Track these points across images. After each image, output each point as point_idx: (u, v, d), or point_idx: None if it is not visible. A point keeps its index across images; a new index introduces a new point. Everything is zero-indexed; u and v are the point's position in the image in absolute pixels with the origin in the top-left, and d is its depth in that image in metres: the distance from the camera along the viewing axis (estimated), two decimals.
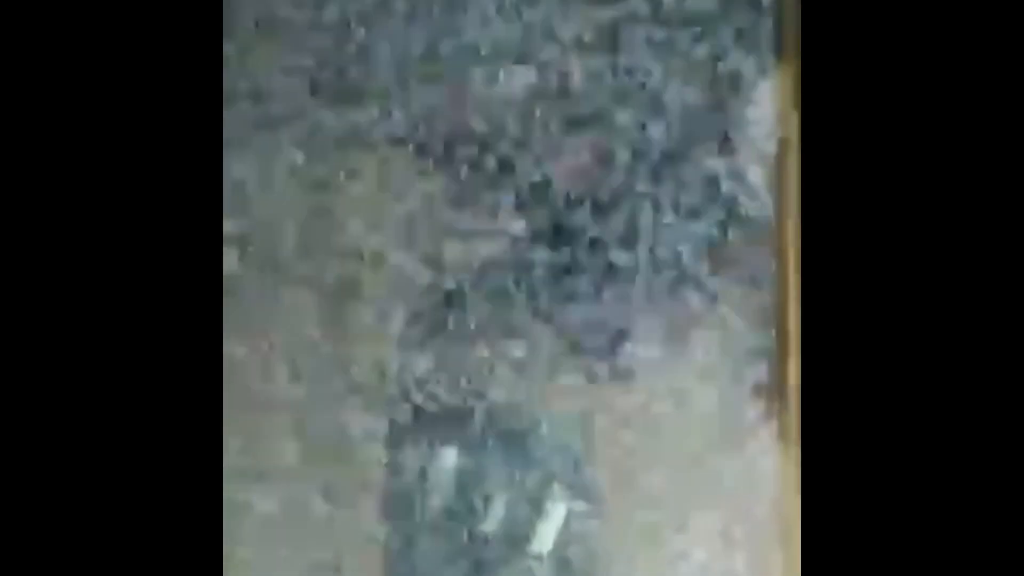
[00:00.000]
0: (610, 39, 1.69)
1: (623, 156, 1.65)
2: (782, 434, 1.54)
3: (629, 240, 1.66)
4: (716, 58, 1.61)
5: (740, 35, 1.63)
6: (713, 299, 1.62)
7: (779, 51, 1.58)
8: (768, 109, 1.58)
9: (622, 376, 1.71)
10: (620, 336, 1.68)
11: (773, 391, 1.58)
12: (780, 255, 1.58)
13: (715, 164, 1.64)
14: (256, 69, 1.77)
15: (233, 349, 1.78)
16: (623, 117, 1.67)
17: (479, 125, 1.72)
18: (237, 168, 1.76)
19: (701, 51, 1.63)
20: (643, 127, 1.67)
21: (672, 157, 1.65)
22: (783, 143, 1.55)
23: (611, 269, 1.65)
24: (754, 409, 1.63)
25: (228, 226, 1.72)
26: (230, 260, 1.76)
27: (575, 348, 1.70)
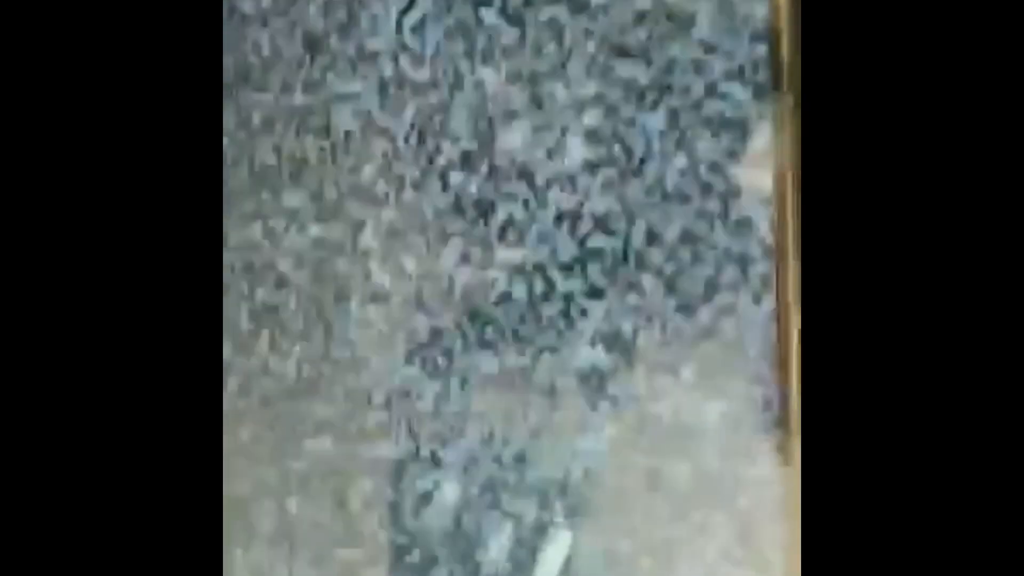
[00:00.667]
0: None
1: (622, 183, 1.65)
2: (785, 457, 1.54)
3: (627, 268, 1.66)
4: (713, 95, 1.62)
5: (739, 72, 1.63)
6: (710, 332, 1.62)
7: (777, 84, 1.58)
8: (766, 144, 1.58)
9: (622, 403, 1.70)
10: (620, 365, 1.68)
11: (776, 414, 1.58)
12: (780, 295, 1.57)
13: (712, 203, 1.64)
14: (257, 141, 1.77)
15: (228, 379, 1.77)
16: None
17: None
18: (236, 236, 1.76)
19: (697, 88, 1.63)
20: (642, 162, 1.67)
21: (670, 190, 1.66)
22: (780, 176, 1.55)
23: (608, 298, 1.65)
24: (757, 433, 1.62)
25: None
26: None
27: (576, 373, 1.70)
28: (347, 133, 1.76)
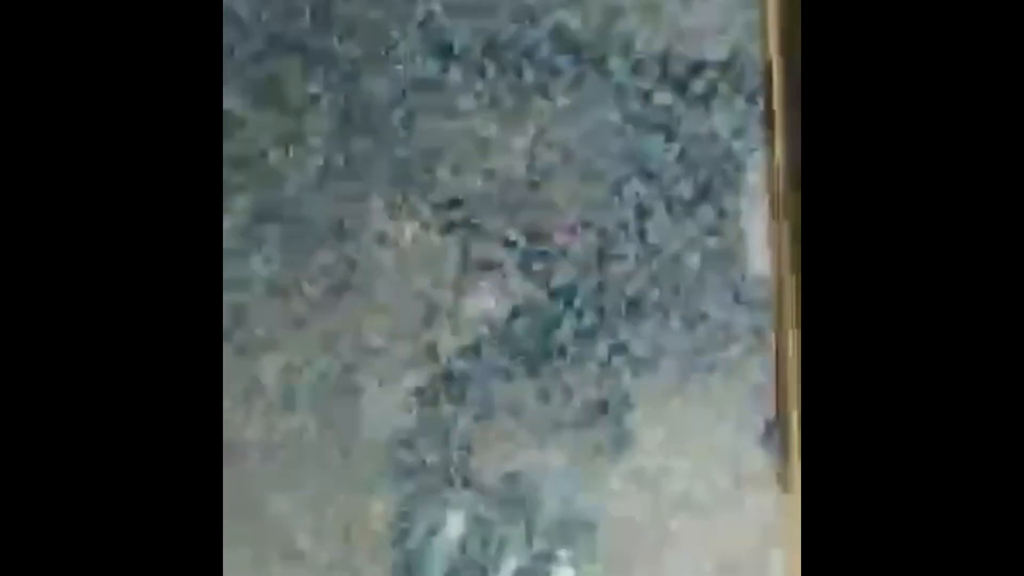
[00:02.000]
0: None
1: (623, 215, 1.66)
2: (785, 485, 1.55)
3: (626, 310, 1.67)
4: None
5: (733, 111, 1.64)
6: (711, 368, 1.63)
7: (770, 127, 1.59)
8: (761, 185, 1.59)
9: (625, 437, 1.71)
10: (620, 399, 1.69)
11: (776, 444, 1.59)
12: (779, 325, 1.58)
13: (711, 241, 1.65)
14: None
15: (232, 416, 1.78)
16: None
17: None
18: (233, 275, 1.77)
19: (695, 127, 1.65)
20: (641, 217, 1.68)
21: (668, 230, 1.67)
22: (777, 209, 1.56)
23: (608, 332, 1.66)
24: (758, 461, 1.63)
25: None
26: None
27: (576, 408, 1.71)
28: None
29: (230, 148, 1.77)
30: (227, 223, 1.78)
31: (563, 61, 1.69)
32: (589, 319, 1.73)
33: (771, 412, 1.61)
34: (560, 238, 1.67)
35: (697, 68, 1.68)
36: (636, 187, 1.69)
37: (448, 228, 1.77)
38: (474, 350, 1.76)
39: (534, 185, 1.73)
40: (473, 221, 1.75)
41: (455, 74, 1.76)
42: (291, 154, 1.81)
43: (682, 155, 1.70)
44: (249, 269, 1.82)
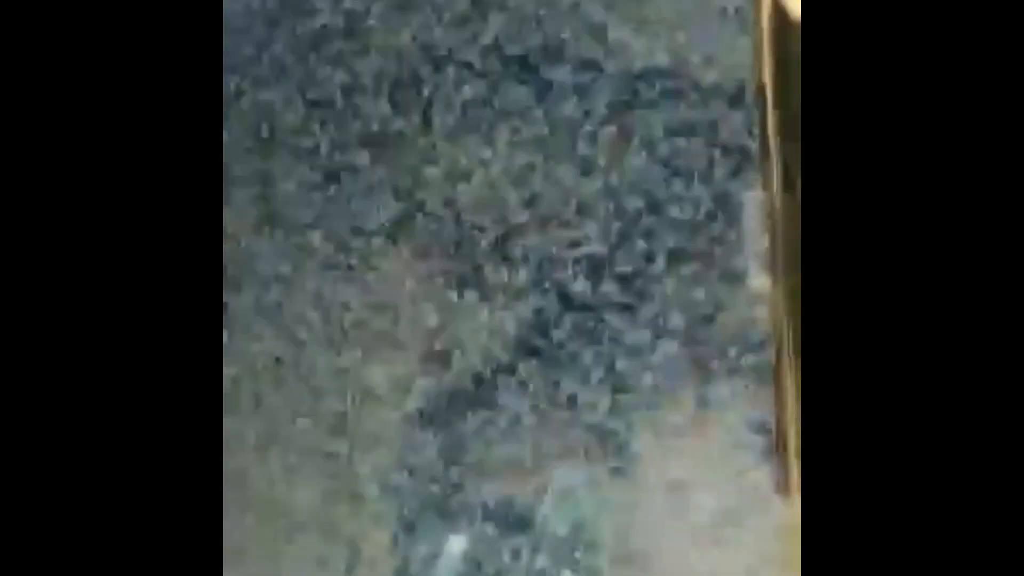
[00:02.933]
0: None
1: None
2: (785, 489, 1.54)
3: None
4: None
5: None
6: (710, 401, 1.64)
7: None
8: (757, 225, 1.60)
9: (627, 460, 1.71)
10: (623, 427, 1.69)
11: (776, 471, 1.58)
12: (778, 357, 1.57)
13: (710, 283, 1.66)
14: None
15: (236, 459, 1.79)
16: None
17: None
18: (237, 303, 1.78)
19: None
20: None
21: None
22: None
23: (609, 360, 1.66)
24: (759, 488, 1.63)
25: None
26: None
27: (580, 432, 1.71)
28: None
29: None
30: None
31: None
32: (592, 340, 1.73)
33: (773, 436, 1.60)
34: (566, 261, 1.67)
35: (693, 90, 1.69)
36: (643, 219, 1.70)
37: (453, 245, 1.77)
38: (479, 371, 1.76)
39: (541, 220, 1.73)
40: (479, 241, 1.75)
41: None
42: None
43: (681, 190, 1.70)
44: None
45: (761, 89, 1.37)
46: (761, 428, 1.61)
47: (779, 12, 1.24)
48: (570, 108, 1.75)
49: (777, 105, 1.35)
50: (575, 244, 1.72)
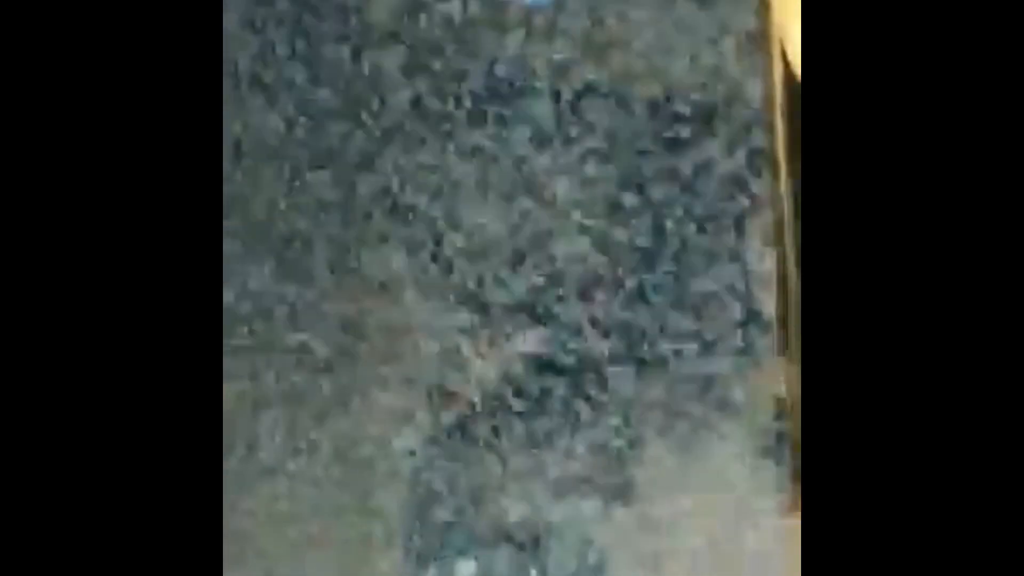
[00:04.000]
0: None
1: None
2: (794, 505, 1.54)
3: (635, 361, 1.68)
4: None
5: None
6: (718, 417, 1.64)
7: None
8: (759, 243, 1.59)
9: (634, 488, 1.71)
10: (630, 454, 1.69)
11: (788, 498, 1.58)
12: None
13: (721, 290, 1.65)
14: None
15: (244, 501, 1.79)
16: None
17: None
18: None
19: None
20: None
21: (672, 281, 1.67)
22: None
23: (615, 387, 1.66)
24: (769, 516, 1.63)
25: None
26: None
27: (586, 456, 1.71)
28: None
29: None
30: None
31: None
32: (597, 368, 1.73)
33: (780, 459, 1.60)
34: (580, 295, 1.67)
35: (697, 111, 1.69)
36: (648, 239, 1.70)
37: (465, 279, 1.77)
38: (488, 400, 1.76)
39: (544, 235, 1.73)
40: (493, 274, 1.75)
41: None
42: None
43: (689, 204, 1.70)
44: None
45: (769, 104, 1.37)
46: (769, 452, 1.61)
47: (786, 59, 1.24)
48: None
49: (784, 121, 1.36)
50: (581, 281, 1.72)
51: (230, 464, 1.79)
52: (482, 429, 1.75)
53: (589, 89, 1.73)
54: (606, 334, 1.71)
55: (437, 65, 1.80)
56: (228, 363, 1.80)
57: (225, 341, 1.77)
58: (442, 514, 1.75)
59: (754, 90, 1.61)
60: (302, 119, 1.84)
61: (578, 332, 1.74)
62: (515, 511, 1.74)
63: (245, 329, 1.84)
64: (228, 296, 1.81)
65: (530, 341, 1.73)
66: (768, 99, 1.46)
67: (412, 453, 1.73)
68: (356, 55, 1.83)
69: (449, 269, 1.78)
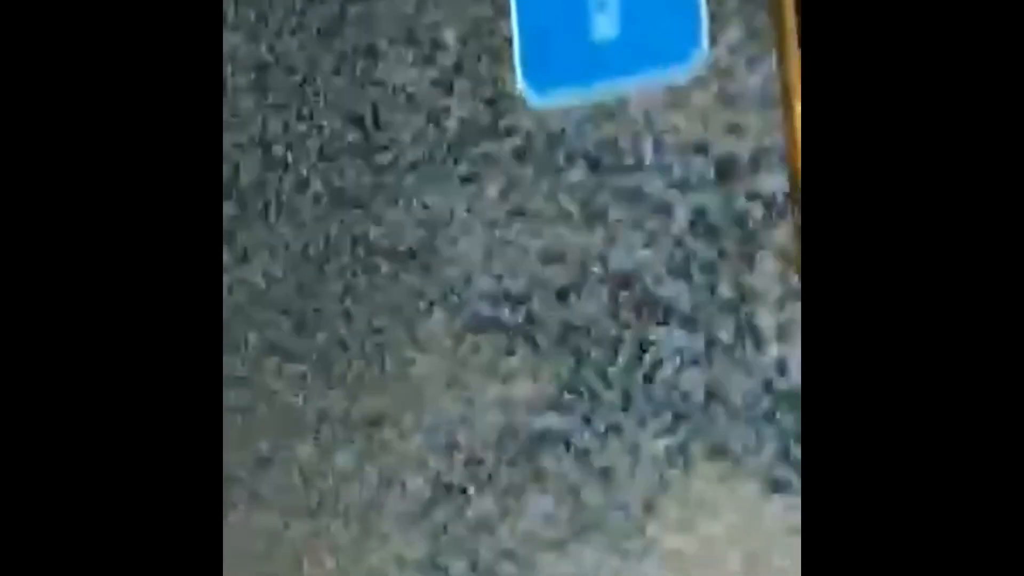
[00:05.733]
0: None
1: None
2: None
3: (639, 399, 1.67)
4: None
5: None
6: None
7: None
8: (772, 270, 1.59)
9: (651, 538, 1.71)
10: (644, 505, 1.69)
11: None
12: None
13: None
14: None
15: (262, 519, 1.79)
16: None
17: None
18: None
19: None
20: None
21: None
22: None
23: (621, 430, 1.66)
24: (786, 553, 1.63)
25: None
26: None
27: (601, 505, 1.71)
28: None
29: None
30: None
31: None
32: (610, 409, 1.73)
33: (797, 504, 1.60)
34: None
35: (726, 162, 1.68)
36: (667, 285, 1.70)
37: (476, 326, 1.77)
38: (498, 445, 1.76)
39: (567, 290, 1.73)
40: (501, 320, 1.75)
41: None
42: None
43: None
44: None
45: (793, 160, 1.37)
46: (786, 486, 1.61)
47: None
48: None
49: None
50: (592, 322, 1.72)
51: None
52: (493, 475, 1.76)
53: None
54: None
55: None
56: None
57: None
58: (460, 564, 1.76)
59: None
60: None
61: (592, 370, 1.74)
62: (531, 559, 1.75)
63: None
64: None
65: (543, 380, 1.73)
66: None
67: (423, 501, 1.73)
68: None
69: None
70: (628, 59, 1.03)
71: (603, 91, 1.04)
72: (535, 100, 1.04)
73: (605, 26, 1.04)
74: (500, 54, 1.62)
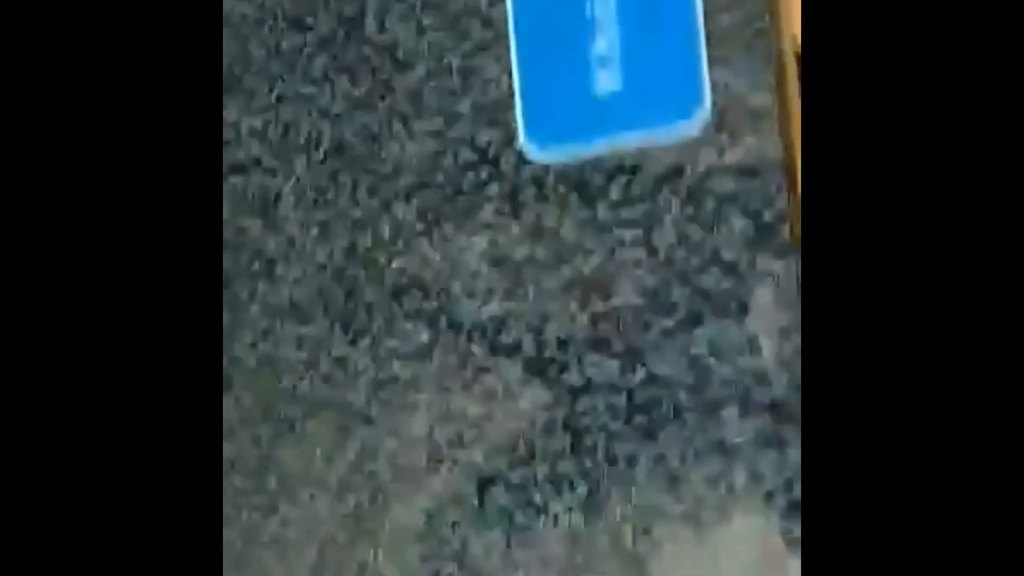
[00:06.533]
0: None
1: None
2: None
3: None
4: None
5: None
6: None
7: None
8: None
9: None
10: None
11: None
12: None
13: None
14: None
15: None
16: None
17: None
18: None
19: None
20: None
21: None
22: None
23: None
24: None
25: None
26: None
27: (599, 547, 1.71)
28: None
29: None
30: None
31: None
32: (604, 446, 1.73)
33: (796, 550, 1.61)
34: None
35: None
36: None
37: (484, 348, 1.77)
38: (495, 478, 1.77)
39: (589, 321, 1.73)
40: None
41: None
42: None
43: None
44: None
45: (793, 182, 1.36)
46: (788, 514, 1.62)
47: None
48: None
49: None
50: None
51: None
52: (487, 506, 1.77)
53: None
54: None
55: None
56: None
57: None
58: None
59: None
60: None
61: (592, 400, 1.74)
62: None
63: None
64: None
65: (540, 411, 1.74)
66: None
67: (427, 523, 1.74)
68: None
69: None
70: (630, 115, 1.03)
71: (604, 147, 1.04)
72: (536, 155, 1.03)
73: (607, 81, 1.03)
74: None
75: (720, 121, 1.47)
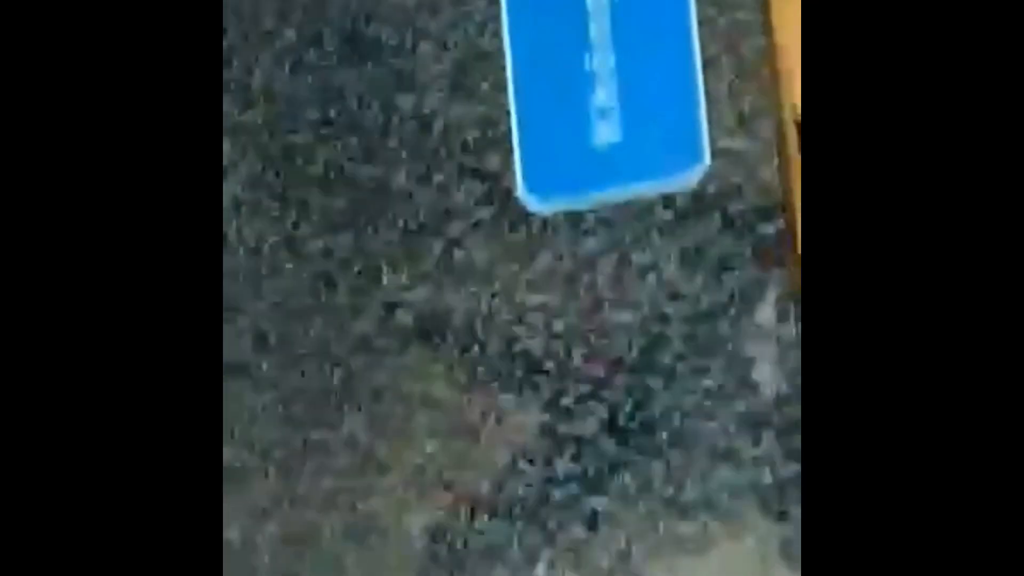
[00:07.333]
0: None
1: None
2: None
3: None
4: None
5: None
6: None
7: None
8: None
9: None
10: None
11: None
12: None
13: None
14: None
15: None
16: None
17: None
18: None
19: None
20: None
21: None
22: None
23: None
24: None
25: None
26: None
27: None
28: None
29: None
30: None
31: None
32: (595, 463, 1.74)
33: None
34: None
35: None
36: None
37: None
38: (490, 500, 1.77)
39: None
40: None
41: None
42: None
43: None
44: None
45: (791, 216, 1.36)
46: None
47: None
48: None
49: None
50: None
51: None
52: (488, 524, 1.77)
53: None
54: None
55: None
56: None
57: None
58: None
59: None
60: None
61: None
62: None
63: None
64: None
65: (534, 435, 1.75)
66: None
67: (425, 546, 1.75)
68: None
69: None
70: (629, 167, 1.03)
71: (603, 198, 1.04)
72: (536, 206, 1.03)
73: (607, 132, 1.03)
74: None
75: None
